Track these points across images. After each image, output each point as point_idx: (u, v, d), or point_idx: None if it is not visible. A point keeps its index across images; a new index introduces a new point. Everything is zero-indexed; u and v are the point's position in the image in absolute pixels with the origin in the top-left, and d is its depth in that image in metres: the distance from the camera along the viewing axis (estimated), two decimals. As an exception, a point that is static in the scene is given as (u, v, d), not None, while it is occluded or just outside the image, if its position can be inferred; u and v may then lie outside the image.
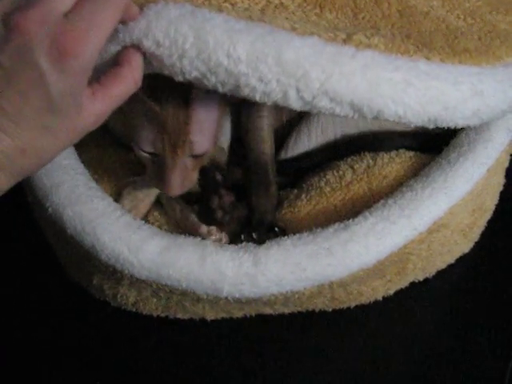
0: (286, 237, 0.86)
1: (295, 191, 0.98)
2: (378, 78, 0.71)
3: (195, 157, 0.86)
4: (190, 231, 0.90)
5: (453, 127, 0.79)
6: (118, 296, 0.95)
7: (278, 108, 1.04)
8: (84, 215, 0.86)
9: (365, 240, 0.84)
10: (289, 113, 1.05)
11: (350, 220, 0.86)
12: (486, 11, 0.87)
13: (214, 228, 0.90)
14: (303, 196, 0.95)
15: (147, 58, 0.68)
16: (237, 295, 0.85)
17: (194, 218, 0.93)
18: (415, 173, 0.93)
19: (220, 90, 0.71)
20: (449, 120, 0.77)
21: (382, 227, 0.85)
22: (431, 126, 0.77)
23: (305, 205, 0.94)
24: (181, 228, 0.93)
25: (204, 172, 0.94)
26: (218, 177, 0.96)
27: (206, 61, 0.68)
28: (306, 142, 1.01)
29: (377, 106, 0.72)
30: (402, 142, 0.99)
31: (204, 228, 0.90)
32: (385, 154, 0.96)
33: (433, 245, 0.93)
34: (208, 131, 0.86)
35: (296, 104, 0.71)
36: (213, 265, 0.83)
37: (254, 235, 0.89)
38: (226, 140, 1.01)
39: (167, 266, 0.83)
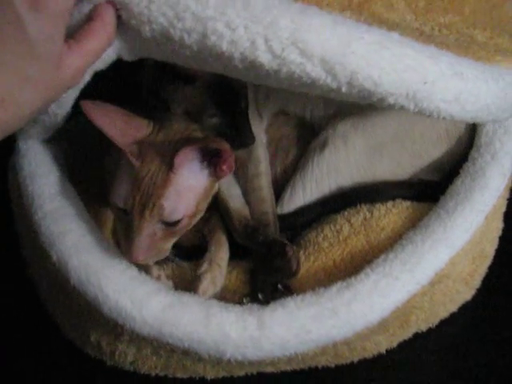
0: (289, 298, 0.84)
1: (293, 248, 0.96)
2: (349, 35, 0.69)
3: (167, 225, 0.82)
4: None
5: (436, 115, 0.76)
6: (116, 353, 0.92)
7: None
8: (90, 265, 0.84)
9: (369, 299, 0.83)
10: (283, 162, 1.06)
11: (353, 278, 0.85)
12: (462, 26, 0.85)
13: (163, 273, 0.89)
14: (301, 253, 0.94)
15: (118, 11, 0.69)
16: (240, 358, 0.83)
17: None
18: (413, 223, 0.92)
19: (186, 40, 0.69)
20: (429, 99, 0.73)
21: (385, 284, 0.83)
22: (411, 106, 0.74)
23: (303, 262, 0.92)
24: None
25: (255, 232, 0.93)
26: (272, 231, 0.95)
27: (174, 6, 0.67)
28: (301, 196, 1.00)
29: (349, 65, 0.69)
30: (398, 192, 0.98)
31: (155, 272, 0.88)
32: (381, 206, 0.95)
33: (435, 296, 0.92)
34: (186, 200, 0.83)
35: (265, 57, 0.68)
36: (217, 326, 0.81)
37: (260, 296, 0.87)
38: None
39: (170, 324, 0.81)
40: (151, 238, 0.81)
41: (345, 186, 1.00)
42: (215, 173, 0.84)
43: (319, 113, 1.05)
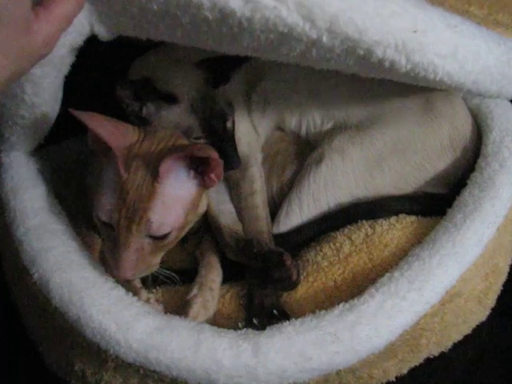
0: (287, 322, 0.79)
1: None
2: None
3: (155, 239, 0.79)
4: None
5: (432, 74, 0.71)
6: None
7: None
8: (73, 283, 0.79)
9: (374, 321, 0.77)
10: (279, 179, 1.02)
11: (356, 299, 0.80)
12: (456, 3, 0.81)
13: (152, 297, 0.85)
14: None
15: None
16: (233, 388, 0.78)
17: (137, 282, 0.87)
18: (419, 239, 0.88)
19: None
20: (421, 52, 0.69)
21: (391, 305, 0.78)
22: (402, 61, 0.69)
23: (302, 283, 0.87)
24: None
25: (248, 245, 0.89)
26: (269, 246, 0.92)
27: None
28: (298, 213, 0.96)
29: (329, 8, 0.64)
30: (401, 207, 0.94)
31: (144, 295, 0.84)
32: (384, 221, 0.91)
33: (446, 316, 0.86)
34: (174, 212, 0.80)
35: (236, 2, 0.64)
36: (208, 352, 0.76)
37: (255, 321, 0.83)
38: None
39: (157, 350, 0.76)
40: (139, 253, 0.79)
41: (344, 201, 0.96)
42: (203, 182, 0.82)
43: (315, 128, 1.03)
